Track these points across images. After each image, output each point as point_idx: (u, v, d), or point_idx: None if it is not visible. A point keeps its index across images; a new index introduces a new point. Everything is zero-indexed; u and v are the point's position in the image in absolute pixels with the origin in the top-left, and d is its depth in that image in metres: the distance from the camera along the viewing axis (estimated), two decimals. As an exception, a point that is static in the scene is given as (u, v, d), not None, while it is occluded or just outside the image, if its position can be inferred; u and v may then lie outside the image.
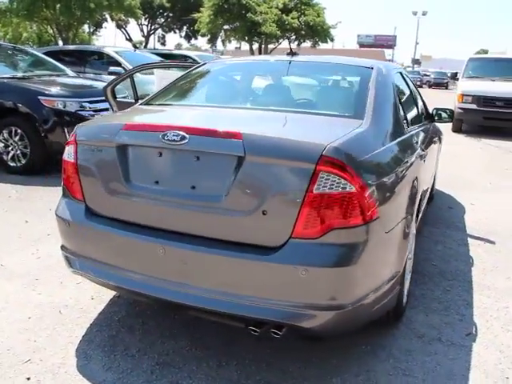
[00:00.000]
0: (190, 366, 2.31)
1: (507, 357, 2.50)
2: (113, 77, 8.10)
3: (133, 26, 68.73)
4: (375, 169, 2.09)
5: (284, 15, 31.63)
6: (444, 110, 4.24)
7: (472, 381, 2.29)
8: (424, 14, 51.63)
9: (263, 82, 3.18)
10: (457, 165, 7.35)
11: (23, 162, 5.80)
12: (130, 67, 8.49)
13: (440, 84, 38.42)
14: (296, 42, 35.75)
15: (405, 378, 2.29)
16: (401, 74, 3.46)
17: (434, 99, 11.96)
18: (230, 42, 37.01)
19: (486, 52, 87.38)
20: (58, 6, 25.66)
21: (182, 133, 1.98)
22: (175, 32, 51.30)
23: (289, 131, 2.17)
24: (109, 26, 46.98)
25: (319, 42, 35.65)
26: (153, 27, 48.04)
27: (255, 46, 35.60)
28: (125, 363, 2.33)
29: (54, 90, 5.93)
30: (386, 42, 67.19)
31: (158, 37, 51.99)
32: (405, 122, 2.81)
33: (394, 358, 2.44)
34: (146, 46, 44.20)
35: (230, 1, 30.07)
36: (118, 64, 8.61)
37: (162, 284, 2.08)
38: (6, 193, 5.08)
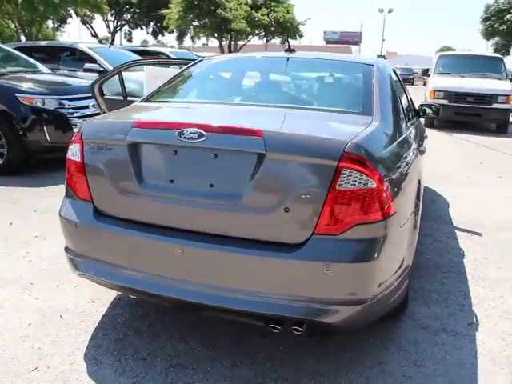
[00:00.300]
0: (205, 367, 2.29)
1: (510, 344, 2.58)
2: (89, 74, 7.98)
3: (98, 22, 67.34)
4: (390, 164, 2.11)
5: (254, 12, 31.58)
6: (429, 105, 4.32)
7: (481, 368, 2.35)
8: (390, 11, 52.60)
9: (268, 78, 3.16)
10: (434, 159, 7.51)
11: (0, 162, 5.60)
12: (106, 64, 8.33)
13: (406, 80, 39.14)
14: (265, 39, 35.81)
15: (417, 369, 2.33)
16: (393, 70, 3.51)
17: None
18: (199, 38, 36.71)
19: (448, 49, 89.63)
20: (20, 0, 24.80)
21: (199, 130, 1.94)
22: (142, 28, 50.38)
23: (306, 128, 2.16)
24: (73, 21, 45.82)
25: (288, 39, 35.73)
26: (119, 23, 47.07)
27: (224, 42, 35.44)
28: (137, 367, 2.28)
29: (32, 86, 5.76)
30: (352, 39, 68.01)
31: (125, 33, 50.97)
32: (404, 117, 2.85)
33: (403, 349, 2.48)
34: (112, 43, 43.28)
35: (200, -3, 29.86)
36: (93, 60, 8.40)
37: (180, 284, 2.04)
38: (-15, 195, 4.90)
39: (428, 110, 4.25)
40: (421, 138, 3.60)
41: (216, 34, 33.33)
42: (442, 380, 2.25)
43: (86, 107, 6.13)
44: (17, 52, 7.47)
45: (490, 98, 10.41)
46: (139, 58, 9.89)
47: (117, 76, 4.16)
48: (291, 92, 2.86)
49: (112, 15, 44.77)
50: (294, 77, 3.16)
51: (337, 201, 1.85)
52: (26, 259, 3.45)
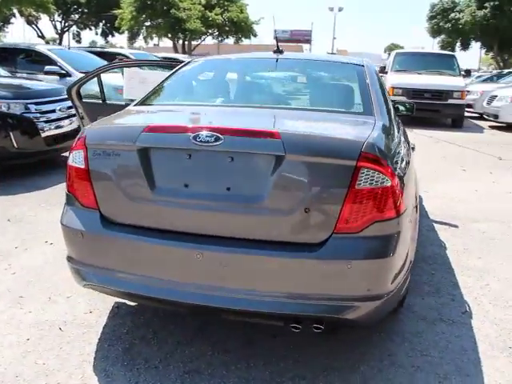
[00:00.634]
0: (220, 371, 2.28)
1: (504, 329, 2.71)
2: (49, 77, 7.72)
3: (45, 22, 64.60)
4: (397, 162, 2.17)
5: (207, 11, 31.41)
6: (403, 103, 4.45)
7: (482, 353, 2.47)
8: (340, 10, 53.59)
9: (267, 79, 3.16)
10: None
11: (-36, 170, 5.34)
12: (67, 66, 8.08)
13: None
14: (219, 39, 35.72)
15: (424, 358, 2.41)
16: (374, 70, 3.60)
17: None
18: (152, 39, 36.17)
19: (396, 46, 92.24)
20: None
21: (216, 134, 1.93)
22: (91, 29, 49.06)
23: (320, 129, 2.18)
24: (17, 21, 43.99)
25: (242, 38, 35.86)
26: (67, 24, 45.61)
27: (178, 42, 35.05)
28: (151, 376, 2.24)
29: (-5, 91, 5.50)
30: (303, 37, 68.58)
31: (73, 34, 49.41)
32: (393, 115, 2.94)
33: (408, 341, 2.56)
34: (60, 44, 41.90)
35: (153, -3, 29.37)
36: (52, 62, 8.12)
37: (199, 290, 2.02)
38: (-48, 206, 4.64)
39: (401, 108, 4.37)
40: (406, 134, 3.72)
41: (170, 35, 32.92)
42: (449, 368, 2.34)
43: (53, 111, 5.94)
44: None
45: (446, 94, 10.85)
46: (99, 59, 9.70)
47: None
48: (293, 93, 2.89)
49: (59, 15, 43.34)
50: (292, 78, 3.18)
51: (356, 200, 1.90)
52: (9, 271, 3.30)
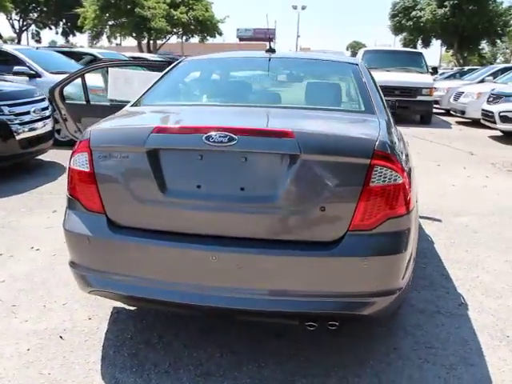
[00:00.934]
0: (232, 373, 2.26)
1: (500, 319, 2.80)
2: (18, 77, 7.47)
3: (1, 21, 62.45)
4: (404, 159, 2.21)
5: (172, 10, 31.04)
6: (386, 101, 4.52)
7: (483, 343, 2.55)
8: (303, 8, 53.95)
9: (267, 79, 3.15)
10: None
11: None
12: (37, 66, 7.84)
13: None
14: (184, 38, 35.40)
15: (429, 351, 2.47)
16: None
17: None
18: (115, 38, 35.46)
19: (358, 44, 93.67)
20: None
21: (229, 134, 1.91)
22: (51, 28, 47.72)
23: (331, 128, 2.19)
24: (-28, 20, 42.26)
25: (207, 37, 35.65)
26: (25, 23, 44.21)
27: (140, 41, 34.47)
28: (162, 381, 2.21)
29: (-34, 93, 5.28)
30: (265, 36, 68.50)
31: (32, 33, 47.95)
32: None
33: (411, 334, 2.61)
34: (19, 43, 40.57)
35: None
36: (20, 63, 7.84)
37: (214, 292, 2.00)
38: None
39: (385, 106, 4.44)
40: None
41: (134, 34, 32.34)
42: (454, 358, 2.41)
43: (27, 113, 5.76)
44: None
45: (415, 91, 11.11)
46: (68, 59, 9.45)
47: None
48: (295, 93, 2.89)
49: (17, 14, 41.98)
50: (292, 77, 3.18)
51: (370, 197, 1.92)
52: (-2, 280, 3.19)
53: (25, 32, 45.62)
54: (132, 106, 2.72)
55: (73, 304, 2.89)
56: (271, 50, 3.13)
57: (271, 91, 3.00)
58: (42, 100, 6.17)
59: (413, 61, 12.49)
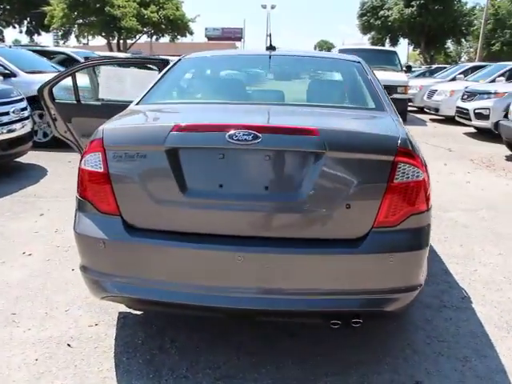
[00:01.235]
0: (252, 374, 2.24)
1: (503, 310, 2.87)
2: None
3: (-41, 20, 59.98)
4: (422, 155, 2.23)
5: (143, 9, 30.57)
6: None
7: (491, 335, 2.60)
8: (273, 7, 54.01)
9: (275, 76, 3.11)
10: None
11: None
12: (10, 65, 7.59)
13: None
14: (155, 37, 34.96)
15: (442, 344, 2.50)
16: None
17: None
18: (84, 37, 34.67)
19: (325, 43, 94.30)
20: None
21: (253, 132, 1.88)
22: (14, 27, 46.26)
23: (353, 125, 2.19)
24: None
25: (178, 37, 35.32)
26: (-14, 21, 42.72)
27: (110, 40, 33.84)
28: (182, 386, 2.16)
29: None
30: (234, 35, 68.43)
31: (-5, 32, 46.33)
32: None
33: (421, 328, 2.65)
34: (-19, 42, 39.17)
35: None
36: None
37: (239, 293, 1.96)
38: None
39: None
40: None
41: (104, 33, 31.71)
42: (467, 351, 2.45)
43: (6, 114, 5.57)
44: None
45: (391, 89, 11.23)
46: (43, 58, 9.19)
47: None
48: (307, 90, 2.86)
49: (-22, 12, 40.56)
50: (301, 75, 3.16)
51: (394, 194, 1.93)
52: (-11, 287, 3.06)
53: (-14, 31, 44.08)
54: (137, 104, 2.63)
55: (75, 310, 2.80)
56: (271, 48, 3.10)
57: (279, 88, 2.97)
58: (21, 100, 5.98)
59: (387, 59, 12.68)
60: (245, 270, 1.95)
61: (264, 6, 55.43)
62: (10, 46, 10.11)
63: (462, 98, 10.12)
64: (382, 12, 40.24)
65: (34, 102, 7.20)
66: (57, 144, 7.19)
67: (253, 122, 1.98)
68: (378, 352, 2.42)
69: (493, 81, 10.97)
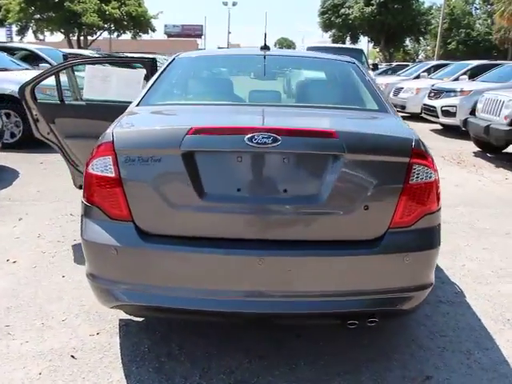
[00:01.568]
0: (266, 377, 2.23)
1: (496, 303, 2.97)
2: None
3: None
4: (432, 156, 2.27)
5: (104, 5, 29.79)
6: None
7: (488, 328, 2.69)
8: (234, 4, 53.96)
9: (276, 77, 3.08)
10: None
11: None
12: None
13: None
14: (116, 34, 34.21)
15: (444, 339, 2.57)
16: None
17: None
18: (42, 33, 33.50)
19: (285, 40, 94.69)
20: None
21: (273, 134, 1.87)
22: (-36, 21, 44.22)
23: (369, 127, 2.21)
24: None
25: (140, 33, 34.71)
26: None
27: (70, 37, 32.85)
28: (197, 393, 2.13)
29: None
30: (194, 32, 67.84)
31: None
32: None
33: (422, 324, 2.71)
34: None
35: (45, -12, 27.04)
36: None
37: (259, 297, 1.95)
38: None
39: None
40: None
41: (63, 29, 30.70)
42: (469, 344, 2.53)
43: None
44: None
45: (360, 87, 11.45)
46: (4, 54, 8.83)
47: None
48: (312, 92, 2.85)
49: None
50: (300, 76, 3.15)
51: (409, 195, 1.97)
52: (-23, 299, 2.92)
53: None
54: (138, 105, 2.55)
55: (73, 319, 2.71)
56: (265, 48, 3.08)
57: (284, 89, 2.97)
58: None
59: (354, 58, 12.70)
60: (265, 274, 1.93)
61: (225, 3, 55.28)
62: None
63: (429, 96, 10.41)
64: (342, 10, 40.88)
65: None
66: (26, 145, 6.99)
67: (272, 125, 1.97)
68: (386, 349, 2.47)
69: (456, 79, 11.33)
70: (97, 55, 11.81)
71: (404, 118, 12.83)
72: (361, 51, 13.49)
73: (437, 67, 14.38)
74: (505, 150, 7.82)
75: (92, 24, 28.73)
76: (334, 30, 44.79)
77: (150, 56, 6.83)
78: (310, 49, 13.24)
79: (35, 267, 3.37)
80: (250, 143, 1.87)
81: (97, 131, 3.60)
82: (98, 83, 3.66)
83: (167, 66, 2.91)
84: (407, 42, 46.29)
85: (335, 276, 1.98)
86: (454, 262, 3.58)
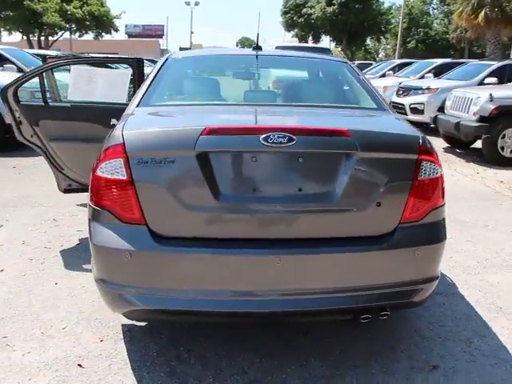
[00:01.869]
0: (279, 376, 2.25)
1: (487, 293, 3.09)
2: None
3: None
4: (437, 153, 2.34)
5: (65, 4, 28.97)
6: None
7: (484, 317, 2.80)
8: (197, 4, 53.60)
9: (276, 77, 3.08)
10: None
11: None
12: None
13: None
14: (78, 34, 33.39)
15: (443, 329, 2.67)
16: None
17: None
18: (-1, 32, 32.33)
19: (247, 40, 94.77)
20: None
21: (288, 134, 1.89)
22: None
23: (377, 125, 2.26)
24: None
25: (103, 33, 34.01)
26: None
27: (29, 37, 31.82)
28: (213, 395, 2.13)
29: None
30: (155, 32, 67.02)
31: None
32: None
33: (421, 316, 2.79)
34: None
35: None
36: None
37: (277, 296, 1.98)
38: None
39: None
40: None
41: (21, 29, 29.69)
42: (468, 333, 2.62)
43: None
44: None
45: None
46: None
47: None
48: (312, 91, 2.87)
49: None
50: (298, 75, 3.16)
51: (418, 190, 2.04)
52: (-29, 310, 2.82)
53: None
54: (138, 106, 2.50)
55: (74, 327, 2.65)
56: (258, 48, 3.09)
57: (285, 89, 2.98)
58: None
59: (323, 57, 13.01)
60: (283, 273, 1.95)
61: (188, 3, 54.80)
62: None
63: (397, 94, 10.67)
64: (304, 10, 41.25)
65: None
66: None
67: (287, 124, 1.99)
68: (390, 341, 2.53)
69: (422, 77, 11.65)
70: (77, 56, 11.48)
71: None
72: (328, 50, 13.66)
73: (401, 66, 14.74)
74: (472, 146, 8.12)
75: (53, 24, 27.90)
76: (296, 30, 45.16)
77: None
78: (278, 48, 13.32)
79: (24, 275, 3.27)
80: (266, 143, 1.88)
81: (83, 133, 3.55)
82: (84, 84, 3.58)
83: (161, 66, 2.88)
84: (368, 41, 47.21)
85: (350, 272, 2.02)
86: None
